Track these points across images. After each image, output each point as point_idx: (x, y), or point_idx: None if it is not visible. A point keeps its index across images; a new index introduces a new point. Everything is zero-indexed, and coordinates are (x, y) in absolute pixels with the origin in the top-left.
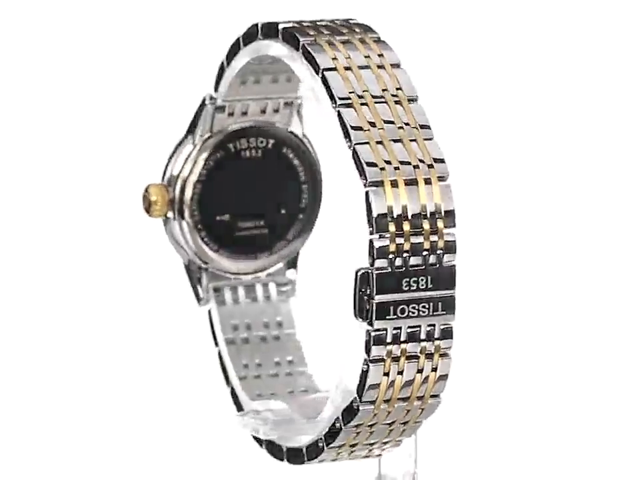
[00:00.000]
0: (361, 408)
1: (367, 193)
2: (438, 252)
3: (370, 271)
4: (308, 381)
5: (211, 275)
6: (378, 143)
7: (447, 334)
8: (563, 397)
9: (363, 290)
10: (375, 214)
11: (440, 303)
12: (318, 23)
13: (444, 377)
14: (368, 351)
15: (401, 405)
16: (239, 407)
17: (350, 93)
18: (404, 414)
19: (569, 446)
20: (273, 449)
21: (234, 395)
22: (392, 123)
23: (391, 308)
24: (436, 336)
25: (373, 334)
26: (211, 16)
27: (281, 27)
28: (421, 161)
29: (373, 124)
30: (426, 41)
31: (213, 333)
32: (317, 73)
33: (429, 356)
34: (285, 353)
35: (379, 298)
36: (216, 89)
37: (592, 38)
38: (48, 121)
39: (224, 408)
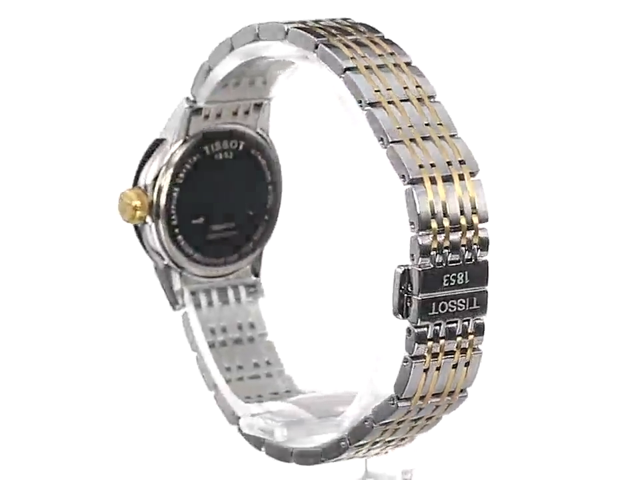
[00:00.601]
0: (399, 405)
1: (409, 190)
2: (473, 247)
3: (411, 269)
4: (288, 382)
5: (184, 279)
6: (411, 140)
7: (480, 329)
8: (564, 398)
9: (403, 287)
10: (419, 211)
11: (475, 299)
12: (322, 23)
13: (474, 372)
14: (410, 348)
15: (434, 400)
16: (227, 411)
17: (375, 92)
18: (432, 409)
19: (568, 447)
20: (278, 451)
21: (220, 398)
22: (419, 120)
23: (433, 305)
24: (470, 331)
25: (416, 331)
26: (178, 19)
27: (288, 27)
28: (452, 157)
29: (403, 122)
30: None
31: (192, 337)
32: (339, 73)
33: (463, 351)
34: (261, 354)
35: (422, 295)
36: (193, 92)
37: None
38: (16, 123)
39: (205, 412)
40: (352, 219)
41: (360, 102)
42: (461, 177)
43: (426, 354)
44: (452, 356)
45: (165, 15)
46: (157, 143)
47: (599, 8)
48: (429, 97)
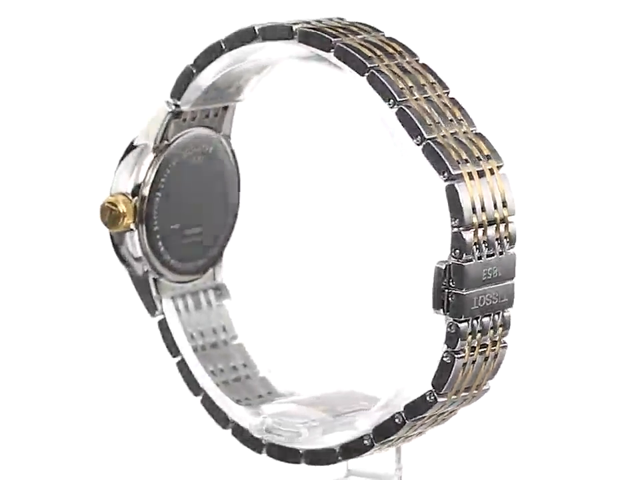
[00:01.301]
0: (438, 400)
1: (451, 186)
2: (503, 241)
3: (455, 264)
4: (266, 383)
5: (160, 285)
6: (443, 137)
7: (507, 322)
8: (562, 399)
9: (445, 283)
10: (463, 207)
11: (505, 292)
12: (324, 23)
13: (500, 365)
14: (454, 343)
15: (464, 394)
16: (217, 415)
17: (401, 89)
18: (459, 403)
19: (566, 447)
20: (284, 452)
21: (208, 403)
22: (444, 117)
23: (474, 299)
24: (499, 324)
25: (460, 326)
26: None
27: (295, 27)
28: (479, 152)
29: (431, 119)
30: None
31: (173, 342)
32: (362, 73)
33: (494, 344)
34: (236, 357)
35: (467, 291)
36: (176, 96)
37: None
38: None
39: (187, 417)
40: (349, 214)
41: (389, 100)
42: (491, 172)
43: (465, 348)
44: (485, 349)
45: (131, 21)
46: (132, 149)
47: (606, 7)
48: (445, 94)
